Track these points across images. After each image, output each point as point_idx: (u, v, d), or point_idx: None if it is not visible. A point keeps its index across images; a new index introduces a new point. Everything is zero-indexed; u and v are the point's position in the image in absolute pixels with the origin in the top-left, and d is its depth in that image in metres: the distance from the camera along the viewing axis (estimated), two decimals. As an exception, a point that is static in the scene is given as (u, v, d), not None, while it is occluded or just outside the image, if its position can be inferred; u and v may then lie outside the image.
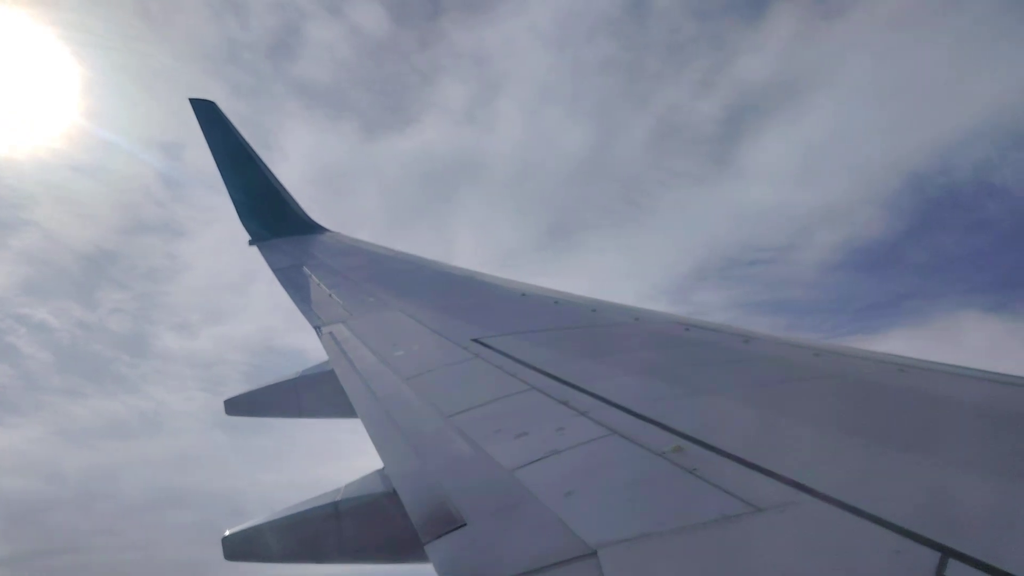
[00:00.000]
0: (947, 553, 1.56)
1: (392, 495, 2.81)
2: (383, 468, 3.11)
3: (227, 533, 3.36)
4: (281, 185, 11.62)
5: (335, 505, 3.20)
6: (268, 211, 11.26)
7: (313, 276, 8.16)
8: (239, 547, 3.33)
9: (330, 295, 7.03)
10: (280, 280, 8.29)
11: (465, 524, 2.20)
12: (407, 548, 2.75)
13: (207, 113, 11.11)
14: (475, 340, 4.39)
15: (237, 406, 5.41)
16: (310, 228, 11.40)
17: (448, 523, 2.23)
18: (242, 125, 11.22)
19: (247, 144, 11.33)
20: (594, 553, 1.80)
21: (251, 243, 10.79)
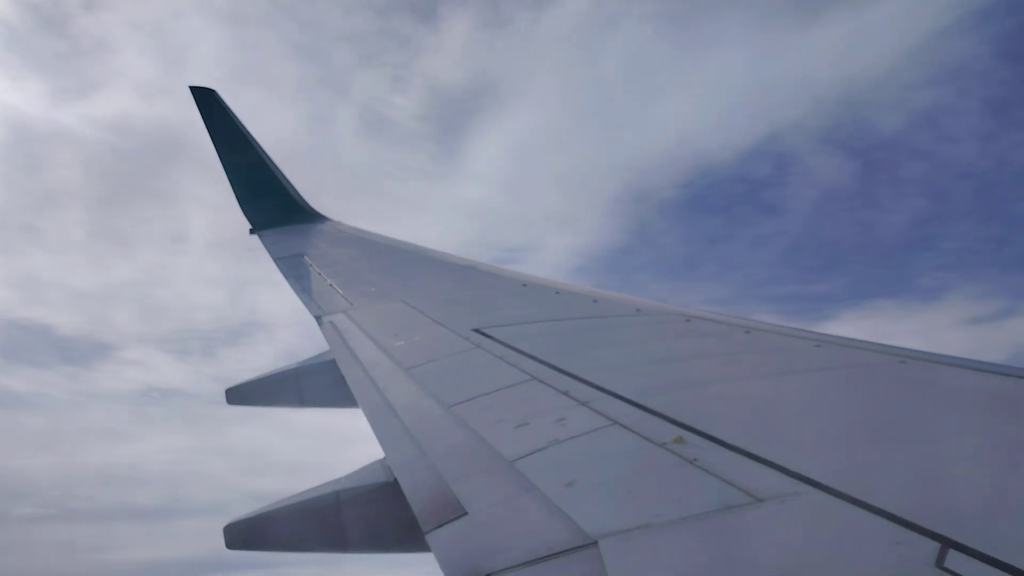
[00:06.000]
0: (947, 544, 1.56)
1: (393, 484, 2.82)
2: (384, 458, 3.12)
3: (229, 522, 3.37)
4: (282, 174, 11.60)
5: (336, 495, 3.22)
6: (269, 200, 11.24)
7: (314, 265, 8.16)
8: (240, 536, 3.34)
9: (331, 285, 7.03)
10: (281, 269, 8.30)
11: (466, 514, 2.20)
12: (408, 537, 2.76)
13: (207, 101, 11.06)
14: (476, 330, 4.39)
15: (238, 395, 5.42)
16: (311, 217, 11.39)
17: (449, 513, 2.24)
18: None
19: (248, 132, 11.30)
20: (595, 543, 1.81)
21: (252, 232, 10.79)
